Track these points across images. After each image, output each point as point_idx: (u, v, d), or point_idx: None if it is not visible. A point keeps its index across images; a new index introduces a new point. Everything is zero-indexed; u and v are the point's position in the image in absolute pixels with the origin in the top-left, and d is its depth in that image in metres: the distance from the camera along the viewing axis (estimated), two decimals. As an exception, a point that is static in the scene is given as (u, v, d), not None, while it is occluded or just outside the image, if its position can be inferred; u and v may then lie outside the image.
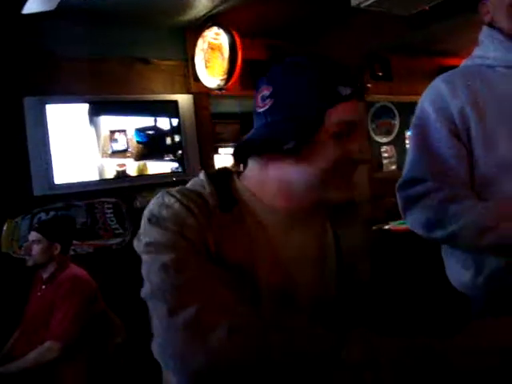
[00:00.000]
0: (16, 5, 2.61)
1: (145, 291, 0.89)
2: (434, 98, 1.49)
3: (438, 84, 1.51)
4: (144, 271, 0.90)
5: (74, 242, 3.32)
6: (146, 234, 0.92)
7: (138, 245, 0.93)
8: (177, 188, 0.96)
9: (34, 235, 2.76)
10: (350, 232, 1.12)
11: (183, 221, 0.90)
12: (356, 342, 0.79)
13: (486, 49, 1.51)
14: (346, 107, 0.93)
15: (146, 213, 0.94)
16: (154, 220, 0.91)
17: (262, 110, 0.98)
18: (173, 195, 0.93)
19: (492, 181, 1.41)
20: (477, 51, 1.57)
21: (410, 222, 1.50)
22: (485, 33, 1.56)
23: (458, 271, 1.53)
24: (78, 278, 2.74)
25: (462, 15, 3.81)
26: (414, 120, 1.55)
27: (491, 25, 1.54)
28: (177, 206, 0.91)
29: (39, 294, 2.76)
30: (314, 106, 0.93)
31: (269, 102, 0.98)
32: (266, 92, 1.00)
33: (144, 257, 0.91)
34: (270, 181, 0.99)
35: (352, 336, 0.80)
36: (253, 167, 1.02)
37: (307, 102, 0.93)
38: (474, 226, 1.33)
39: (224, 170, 1.05)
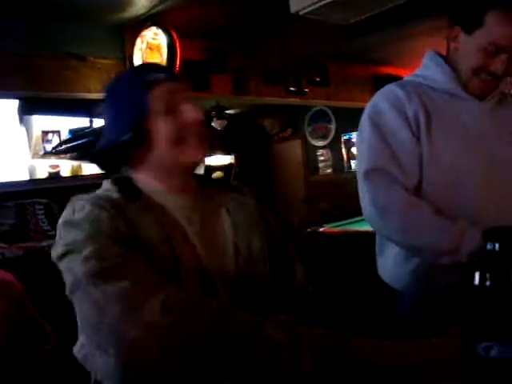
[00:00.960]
0: None
1: (69, 286, 0.91)
2: (391, 98, 1.54)
3: (393, 88, 1.56)
4: (65, 273, 0.93)
5: (2, 244, 3.19)
6: (64, 237, 0.95)
7: (55, 250, 0.96)
8: (83, 195, 1.03)
9: None
10: (241, 209, 1.19)
11: (96, 217, 0.95)
12: (279, 324, 0.84)
13: (429, 72, 1.57)
14: (163, 89, 1.06)
15: (60, 222, 0.99)
16: (69, 224, 0.96)
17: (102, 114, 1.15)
18: (82, 199, 1.00)
19: (438, 194, 1.48)
20: (420, 71, 1.62)
21: (367, 214, 1.53)
22: (430, 57, 1.60)
23: (388, 264, 1.62)
24: (4, 282, 2.62)
25: (396, 27, 3.96)
26: (367, 116, 1.58)
27: (434, 51, 1.61)
28: (87, 206, 0.97)
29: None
30: (136, 98, 1.06)
31: (105, 107, 1.14)
32: (105, 97, 1.15)
33: (63, 261, 0.93)
34: (140, 174, 1.11)
35: (276, 319, 0.85)
36: (132, 168, 1.13)
37: (129, 96, 1.08)
38: (433, 248, 1.40)
39: (121, 176, 1.13)
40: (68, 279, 0.91)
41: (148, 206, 1.04)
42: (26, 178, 3.46)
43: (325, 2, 2.55)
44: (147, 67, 1.14)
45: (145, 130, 1.06)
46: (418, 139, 1.49)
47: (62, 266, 0.94)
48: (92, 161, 1.13)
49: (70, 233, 0.95)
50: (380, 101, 1.56)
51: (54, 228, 3.18)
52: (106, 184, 1.09)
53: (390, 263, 1.61)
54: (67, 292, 0.92)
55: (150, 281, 0.88)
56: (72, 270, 0.90)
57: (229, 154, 7.51)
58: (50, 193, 3.52)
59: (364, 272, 3.81)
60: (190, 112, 1.07)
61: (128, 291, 0.85)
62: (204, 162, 1.16)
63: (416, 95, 1.51)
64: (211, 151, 7.31)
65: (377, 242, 1.70)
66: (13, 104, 3.44)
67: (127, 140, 1.05)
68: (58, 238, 0.97)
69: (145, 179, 1.10)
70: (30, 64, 3.53)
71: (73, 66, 3.74)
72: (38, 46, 3.57)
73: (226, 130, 6.89)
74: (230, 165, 7.41)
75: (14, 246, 3.36)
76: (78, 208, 0.98)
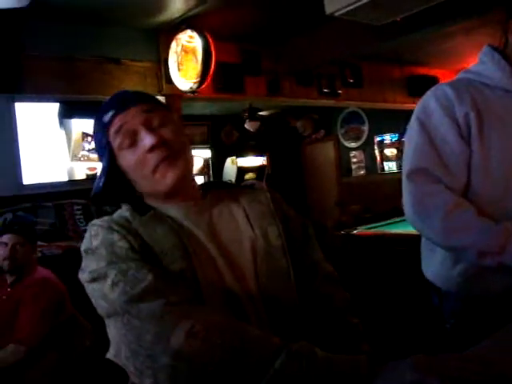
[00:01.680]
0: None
1: (103, 311, 0.97)
2: (440, 98, 1.50)
3: (444, 88, 1.52)
4: (94, 297, 0.99)
5: (42, 243, 3.27)
6: (87, 265, 1.00)
7: (82, 275, 1.02)
8: (100, 218, 1.08)
9: (16, 238, 2.66)
10: (254, 202, 1.19)
11: (111, 241, 1.00)
12: (294, 355, 0.84)
13: (484, 67, 1.52)
14: (113, 126, 1.07)
15: (82, 249, 1.04)
16: (90, 252, 1.01)
17: None
18: (95, 225, 1.05)
19: (483, 204, 1.44)
20: (474, 67, 1.57)
21: (409, 215, 1.51)
22: (486, 52, 1.55)
23: (435, 264, 1.59)
24: (47, 280, 2.69)
25: (432, 27, 3.90)
26: (416, 116, 1.55)
27: (492, 46, 1.56)
28: (100, 231, 1.02)
29: (4, 297, 2.70)
30: (100, 143, 1.11)
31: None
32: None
33: (91, 286, 0.99)
34: (146, 197, 1.14)
35: (292, 349, 0.85)
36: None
37: (98, 143, 1.13)
38: (475, 249, 1.37)
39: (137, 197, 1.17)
40: (101, 305, 0.97)
41: (157, 218, 1.07)
42: (65, 179, 3.54)
43: (360, 3, 2.54)
44: (104, 107, 1.11)
45: (119, 167, 1.09)
46: (469, 142, 1.46)
47: (91, 290, 1.00)
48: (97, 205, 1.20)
49: (91, 260, 1.00)
50: (429, 100, 1.53)
51: (91, 228, 3.19)
52: (123, 205, 1.13)
53: (437, 262, 1.57)
54: (103, 315, 0.98)
55: (179, 302, 0.92)
56: (104, 296, 0.96)
57: (261, 155, 7.53)
58: (88, 194, 3.59)
59: (398, 273, 3.78)
60: (146, 140, 1.04)
61: (159, 314, 0.90)
62: (190, 172, 1.14)
63: (468, 95, 1.47)
64: (244, 153, 7.36)
65: (422, 240, 1.67)
66: (53, 107, 3.52)
67: (104, 184, 1.09)
68: (83, 264, 1.03)
69: (149, 200, 1.13)
70: (68, 68, 3.62)
71: (109, 69, 3.82)
72: (76, 51, 3.66)
73: (259, 132, 6.92)
74: (263, 166, 7.43)
75: (53, 245, 3.45)
76: (93, 234, 1.03)
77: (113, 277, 0.95)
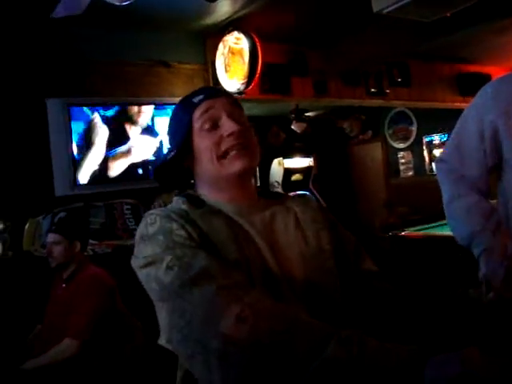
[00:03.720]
0: (45, 8, 2.66)
1: (156, 295, 0.99)
2: (481, 94, 1.57)
3: (491, 83, 1.59)
4: (147, 282, 1.01)
5: (93, 241, 3.37)
6: (142, 251, 1.03)
7: (136, 261, 1.04)
8: (156, 209, 1.13)
9: (52, 237, 2.79)
10: (305, 208, 1.22)
11: (169, 229, 1.03)
12: (344, 341, 0.82)
13: None
14: (200, 108, 1.15)
15: (137, 237, 1.07)
16: (146, 238, 1.04)
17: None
18: (153, 213, 1.09)
19: None
20: None
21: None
22: None
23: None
24: (98, 277, 2.78)
25: (482, 23, 3.80)
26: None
27: None
28: (158, 219, 1.06)
29: (59, 292, 2.80)
30: (181, 120, 1.18)
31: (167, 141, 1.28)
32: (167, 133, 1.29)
33: (143, 271, 1.02)
34: (201, 188, 1.21)
35: (342, 335, 0.84)
36: (195, 184, 1.24)
37: (177, 122, 1.21)
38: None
39: (188, 192, 1.23)
40: (154, 288, 0.99)
41: (212, 212, 1.11)
42: (116, 179, 3.62)
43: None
44: (194, 92, 1.21)
45: (191, 147, 1.16)
46: (495, 140, 1.51)
47: (144, 275, 1.02)
48: (154, 178, 1.24)
49: (147, 246, 1.02)
50: (485, 97, 1.57)
51: (140, 227, 3.24)
52: (175, 198, 1.17)
53: None
54: (154, 300, 1.01)
55: (231, 287, 0.93)
56: (157, 279, 0.98)
57: (308, 156, 7.50)
58: (137, 194, 3.68)
59: (446, 276, 3.69)
60: (228, 125, 1.12)
61: (211, 299, 0.91)
62: (254, 169, 1.20)
63: (509, 91, 1.47)
64: (291, 154, 7.34)
65: None
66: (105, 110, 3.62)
67: (173, 157, 1.17)
68: (136, 250, 1.06)
69: (204, 191, 1.19)
70: (118, 72, 3.71)
71: (157, 72, 3.89)
72: (125, 55, 3.75)
73: (306, 133, 6.89)
74: (309, 167, 7.39)
75: (104, 244, 3.54)
76: (150, 222, 1.06)
77: (168, 261, 0.97)
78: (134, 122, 3.69)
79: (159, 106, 3.75)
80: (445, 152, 1.68)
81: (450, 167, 1.59)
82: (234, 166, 1.12)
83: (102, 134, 3.58)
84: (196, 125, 1.15)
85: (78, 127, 3.50)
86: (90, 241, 3.25)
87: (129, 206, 3.67)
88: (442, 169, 1.64)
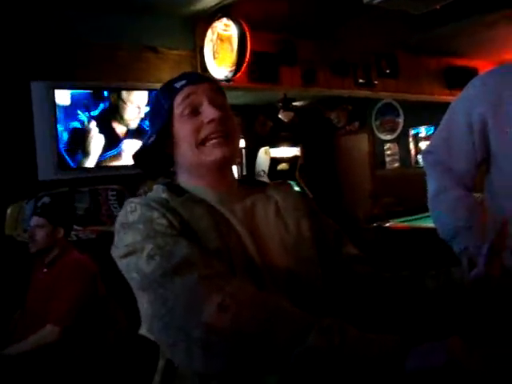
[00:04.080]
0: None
1: (137, 284, 0.98)
2: (468, 87, 1.57)
3: (479, 76, 1.60)
4: (127, 271, 1.00)
5: (77, 227, 3.35)
6: (122, 240, 1.02)
7: (116, 251, 1.03)
8: (136, 197, 1.12)
9: (36, 220, 2.76)
10: (286, 196, 1.22)
11: (150, 217, 1.02)
12: (325, 330, 0.82)
13: None
14: (183, 94, 1.13)
15: (116, 225, 1.07)
16: (126, 226, 1.03)
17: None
18: (133, 202, 1.07)
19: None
20: None
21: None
22: None
23: None
24: (80, 262, 2.76)
25: (472, 16, 3.81)
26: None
27: None
28: (138, 208, 1.05)
29: (41, 277, 2.78)
30: (162, 106, 1.16)
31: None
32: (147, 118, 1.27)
33: (123, 260, 1.01)
34: (180, 175, 1.20)
35: (323, 324, 0.84)
36: (175, 171, 1.23)
37: (158, 107, 1.19)
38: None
39: (168, 181, 1.23)
40: (134, 278, 0.98)
41: (193, 200, 1.10)
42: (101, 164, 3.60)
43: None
44: (177, 77, 1.19)
45: (171, 133, 1.14)
46: (484, 134, 1.51)
47: (124, 264, 1.01)
48: (135, 165, 1.23)
49: (127, 234, 1.01)
50: (474, 88, 1.57)
51: (125, 213, 3.22)
52: (155, 187, 1.16)
53: None
54: (135, 289, 1.00)
55: (212, 276, 0.92)
56: (138, 268, 0.97)
57: (295, 146, 7.50)
58: (122, 179, 3.65)
59: (429, 268, 3.72)
60: (208, 112, 1.11)
61: (192, 288, 0.91)
62: (234, 157, 1.18)
63: (497, 84, 1.48)
64: (277, 143, 7.34)
65: None
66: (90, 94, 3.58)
67: (153, 143, 1.15)
68: (116, 239, 1.04)
69: (184, 178, 1.18)
70: (106, 55, 3.67)
71: (146, 57, 3.85)
72: (113, 39, 3.70)
73: (293, 122, 6.89)
74: (296, 157, 7.40)
75: (88, 229, 3.52)
76: (130, 210, 1.05)
77: (149, 250, 0.96)
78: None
79: (149, 93, 3.71)
80: (432, 144, 1.69)
81: (438, 159, 1.60)
82: (214, 154, 1.11)
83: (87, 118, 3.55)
84: (177, 110, 1.13)
85: (62, 111, 3.45)
86: (74, 226, 3.22)
87: (114, 192, 3.65)
88: (429, 161, 1.64)
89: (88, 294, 2.68)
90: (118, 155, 3.65)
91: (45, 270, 2.77)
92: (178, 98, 1.13)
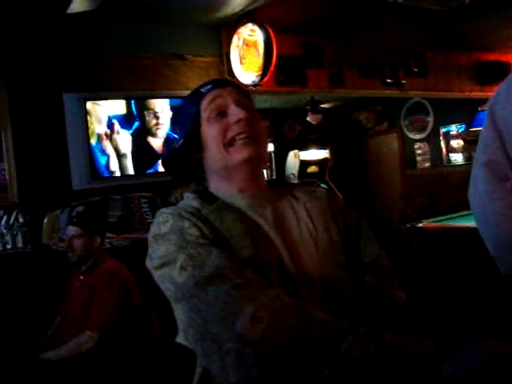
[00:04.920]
0: (60, 4, 2.68)
1: (171, 295, 0.99)
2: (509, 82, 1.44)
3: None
4: (162, 282, 1.01)
5: (110, 235, 3.39)
6: (156, 251, 1.03)
7: (150, 262, 1.04)
8: (167, 207, 1.12)
9: (73, 230, 2.80)
10: (314, 199, 1.21)
11: (181, 227, 1.03)
12: (360, 338, 0.82)
13: None
14: (209, 97, 1.14)
15: (150, 236, 1.07)
16: (158, 237, 1.04)
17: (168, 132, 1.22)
18: (165, 212, 1.08)
19: None
20: None
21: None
22: None
23: None
24: (116, 270, 2.79)
25: (501, 10, 3.74)
26: (488, 102, 1.51)
27: None
28: (170, 218, 1.05)
29: (78, 284, 2.83)
30: (188, 109, 1.18)
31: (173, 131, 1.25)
32: (172, 123, 1.27)
33: (158, 272, 1.02)
34: (211, 181, 1.20)
35: (359, 330, 0.83)
36: (205, 177, 1.23)
37: (185, 112, 1.19)
38: None
39: (199, 188, 1.22)
40: (169, 288, 0.99)
41: (224, 207, 1.10)
42: (133, 172, 3.64)
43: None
44: (203, 84, 1.20)
45: (200, 136, 1.15)
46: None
47: (159, 276, 1.02)
48: (164, 169, 1.25)
49: (160, 245, 1.02)
50: (500, 87, 1.46)
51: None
52: (186, 194, 1.17)
53: None
54: (171, 299, 1.00)
55: (245, 286, 0.92)
56: (171, 279, 0.98)
57: (324, 148, 7.46)
58: (154, 187, 3.69)
59: (464, 267, 3.66)
60: (235, 112, 1.11)
61: (225, 298, 0.90)
62: (262, 158, 1.17)
63: None
64: (306, 146, 7.32)
65: None
66: (121, 104, 3.64)
67: (180, 146, 1.16)
68: (150, 250, 1.05)
69: (214, 184, 1.18)
70: (134, 65, 3.72)
71: (173, 65, 3.89)
72: (141, 48, 3.75)
73: (321, 125, 6.86)
74: (325, 159, 7.35)
75: (121, 237, 3.57)
76: (162, 221, 1.06)
77: (181, 261, 0.97)
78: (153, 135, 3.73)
79: (175, 99, 3.75)
80: (488, 151, 1.47)
81: (498, 168, 1.42)
82: (242, 153, 1.10)
83: (119, 128, 3.60)
84: (204, 114, 1.14)
85: (94, 121, 3.51)
86: (108, 234, 3.27)
87: (146, 200, 3.69)
88: (491, 169, 1.44)
89: (124, 302, 2.71)
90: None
91: (81, 277, 2.82)
92: (204, 102, 1.14)
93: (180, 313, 0.98)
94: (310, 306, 0.95)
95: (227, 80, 1.25)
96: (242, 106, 1.13)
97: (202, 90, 1.17)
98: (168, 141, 1.22)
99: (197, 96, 1.17)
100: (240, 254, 1.01)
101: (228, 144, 1.11)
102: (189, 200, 1.14)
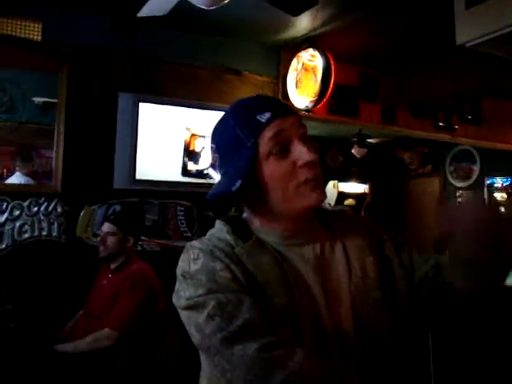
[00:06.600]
0: (130, 7, 2.73)
1: (197, 343, 0.93)
2: None
3: None
4: (187, 325, 0.95)
5: (143, 238, 3.40)
6: (183, 289, 0.97)
7: (178, 301, 0.98)
8: (198, 240, 1.04)
9: (109, 227, 2.83)
10: (349, 232, 1.12)
11: (212, 269, 0.95)
12: None
13: None
14: (270, 129, 0.99)
15: (178, 271, 1.00)
16: (187, 276, 0.97)
17: (214, 165, 1.10)
18: (195, 247, 1.00)
19: None
20: None
21: None
22: None
23: None
24: (145, 273, 2.79)
25: None
26: None
27: None
28: (202, 256, 0.98)
29: (105, 282, 2.83)
30: (244, 142, 1.01)
31: (215, 158, 1.08)
32: (213, 147, 1.09)
33: (184, 312, 0.96)
34: (253, 217, 1.08)
35: None
36: (248, 209, 1.11)
37: (237, 141, 1.02)
38: None
39: (234, 215, 1.13)
40: (194, 335, 0.93)
41: (259, 245, 1.02)
42: (175, 179, 3.65)
43: (499, 33, 2.38)
44: (257, 106, 1.03)
45: (256, 173, 1.01)
46: None
47: (185, 317, 0.96)
48: (206, 207, 1.16)
49: (189, 285, 0.96)
50: None
51: (190, 230, 3.28)
52: (219, 224, 1.08)
53: None
54: (195, 344, 0.94)
55: (274, 347, 0.86)
56: (197, 326, 0.92)
57: (364, 183, 7.39)
58: (194, 197, 3.69)
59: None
60: (303, 153, 0.99)
61: (253, 361, 0.84)
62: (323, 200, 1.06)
63: None
64: (346, 178, 7.25)
65: None
66: (174, 110, 3.67)
67: (238, 188, 1.00)
68: (178, 287, 0.99)
69: (257, 223, 1.08)
70: (191, 74, 3.77)
71: (229, 79, 3.92)
72: (199, 58, 3.80)
73: (364, 159, 6.79)
74: (364, 194, 7.28)
75: (153, 241, 3.57)
76: (193, 258, 0.98)
77: (209, 309, 0.90)
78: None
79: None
80: None
81: None
82: (309, 199, 1.00)
83: (168, 134, 3.63)
84: (263, 149, 1.00)
85: (145, 124, 3.55)
86: (142, 237, 3.28)
87: (182, 208, 3.69)
88: None
89: (147, 306, 2.70)
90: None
91: (110, 275, 2.82)
92: (266, 135, 0.99)
93: (204, 362, 0.94)
94: (342, 369, 0.92)
95: (285, 105, 1.07)
96: (307, 144, 1.01)
97: (261, 118, 1.00)
98: (220, 182, 1.06)
99: (253, 124, 1.01)
100: (273, 302, 0.95)
101: (295, 188, 1.00)
102: (222, 232, 1.05)
